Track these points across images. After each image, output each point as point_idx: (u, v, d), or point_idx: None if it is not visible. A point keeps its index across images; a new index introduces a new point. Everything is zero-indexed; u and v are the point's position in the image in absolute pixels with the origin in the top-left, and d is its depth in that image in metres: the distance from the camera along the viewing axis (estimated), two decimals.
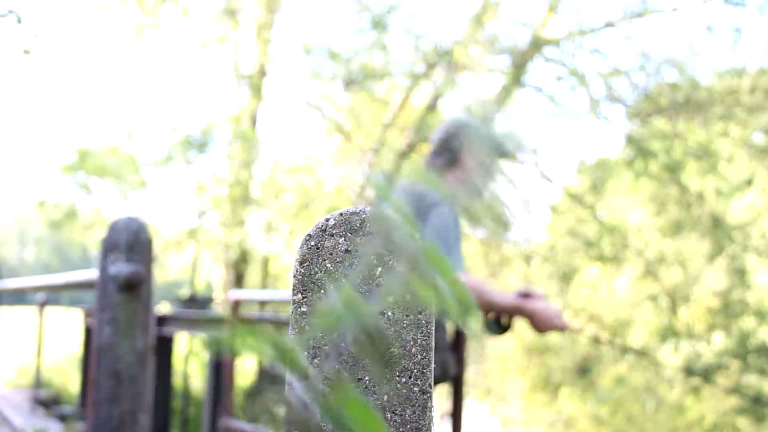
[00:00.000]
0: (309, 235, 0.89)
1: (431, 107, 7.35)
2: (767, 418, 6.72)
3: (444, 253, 2.30)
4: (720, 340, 6.95)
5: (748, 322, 6.71)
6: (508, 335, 2.88)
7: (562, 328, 2.71)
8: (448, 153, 2.88)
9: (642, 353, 7.86)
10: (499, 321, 2.80)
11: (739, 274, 6.43)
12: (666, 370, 8.12)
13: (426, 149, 7.34)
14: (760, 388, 6.78)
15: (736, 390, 6.79)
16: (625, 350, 8.15)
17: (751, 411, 6.77)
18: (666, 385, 8.19)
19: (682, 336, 7.15)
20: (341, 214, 0.89)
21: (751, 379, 6.86)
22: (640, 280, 7.26)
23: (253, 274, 9.41)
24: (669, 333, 7.19)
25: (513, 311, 2.73)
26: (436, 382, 2.81)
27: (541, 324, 2.69)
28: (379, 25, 6.65)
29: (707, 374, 6.82)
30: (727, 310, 6.63)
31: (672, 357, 7.95)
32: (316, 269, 0.89)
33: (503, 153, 2.83)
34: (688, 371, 7.01)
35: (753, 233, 6.64)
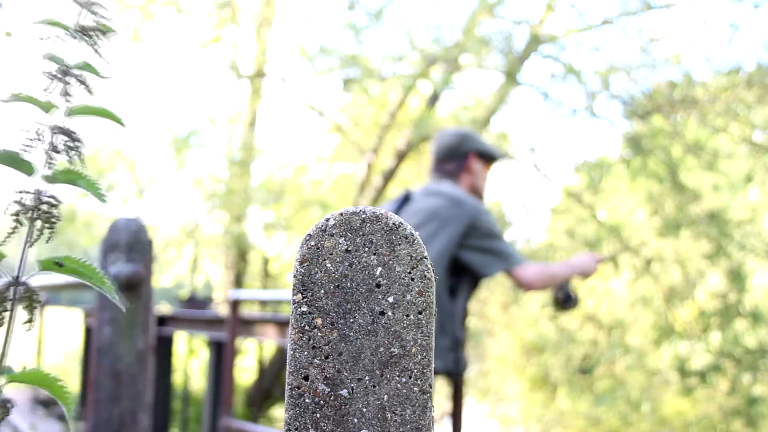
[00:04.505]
0: (309, 235, 0.89)
1: (429, 106, 7.34)
2: (760, 420, 6.70)
3: (507, 249, 2.42)
4: (716, 341, 6.92)
5: (743, 324, 6.68)
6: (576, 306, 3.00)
7: (599, 264, 2.93)
8: (456, 161, 2.97)
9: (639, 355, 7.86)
10: (569, 295, 2.89)
11: (736, 274, 6.39)
12: (661, 371, 8.11)
13: (424, 150, 7.30)
14: (755, 390, 6.75)
15: (732, 391, 6.77)
16: (624, 351, 8.15)
17: (745, 413, 6.74)
18: (662, 386, 8.18)
19: (679, 336, 7.12)
20: (341, 214, 0.90)
21: (745, 381, 6.83)
22: (638, 280, 7.24)
23: (253, 274, 9.40)
24: (666, 334, 7.17)
25: (573, 274, 2.89)
26: (450, 375, 2.88)
27: (588, 272, 2.89)
28: (376, 21, 6.65)
29: (703, 375, 6.80)
30: (724, 312, 6.59)
31: (668, 357, 7.93)
32: (316, 269, 0.89)
33: (500, 156, 2.89)
34: (683, 372, 6.98)
35: (750, 232, 6.61)
